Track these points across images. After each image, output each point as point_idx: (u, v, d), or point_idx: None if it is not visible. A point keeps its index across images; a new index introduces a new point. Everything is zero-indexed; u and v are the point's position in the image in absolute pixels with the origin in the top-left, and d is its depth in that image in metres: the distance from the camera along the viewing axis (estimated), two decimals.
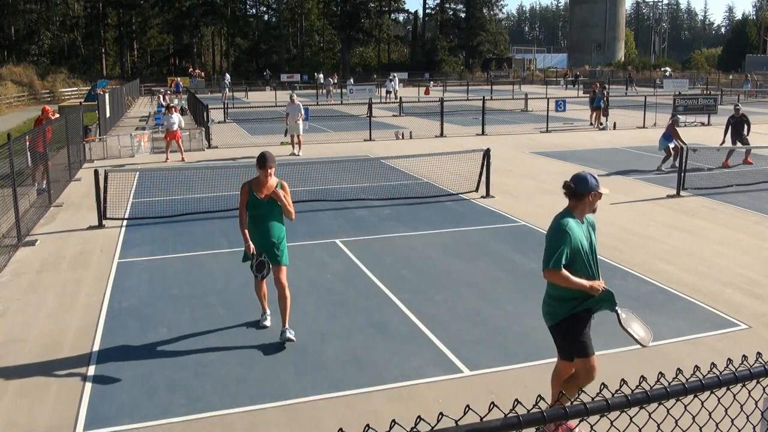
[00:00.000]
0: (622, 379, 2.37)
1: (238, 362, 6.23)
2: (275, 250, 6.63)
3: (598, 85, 29.35)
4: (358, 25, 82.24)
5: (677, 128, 16.66)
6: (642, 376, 2.25)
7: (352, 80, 50.35)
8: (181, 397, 5.59)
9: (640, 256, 9.47)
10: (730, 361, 2.33)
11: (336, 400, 5.52)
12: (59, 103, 40.85)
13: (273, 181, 6.74)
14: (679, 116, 17.92)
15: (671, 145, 16.50)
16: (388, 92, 42.80)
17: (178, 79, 55.38)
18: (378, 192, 13.98)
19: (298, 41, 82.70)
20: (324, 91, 46.82)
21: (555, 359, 6.22)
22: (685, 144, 16.08)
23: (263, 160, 6.69)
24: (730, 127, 17.80)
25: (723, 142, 17.95)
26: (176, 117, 19.09)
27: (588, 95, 26.64)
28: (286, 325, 6.60)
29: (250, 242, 6.60)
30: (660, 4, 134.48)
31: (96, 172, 11.68)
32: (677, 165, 16.22)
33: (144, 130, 23.71)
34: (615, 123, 26.25)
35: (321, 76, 54.25)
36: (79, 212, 12.67)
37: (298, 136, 20.07)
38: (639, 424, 2.59)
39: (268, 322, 7.00)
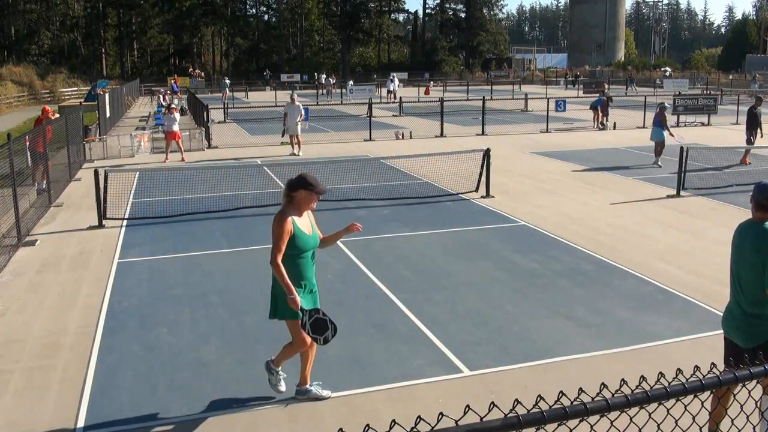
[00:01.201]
0: (622, 379, 2.37)
1: (238, 362, 6.22)
2: (317, 299, 5.37)
3: (606, 85, 29.32)
4: (358, 25, 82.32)
5: (666, 114, 17.32)
6: (642, 376, 2.25)
7: (351, 82, 50.49)
8: (181, 397, 5.59)
9: (640, 256, 9.47)
10: None
11: (336, 400, 5.52)
12: (59, 103, 40.86)
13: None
14: (666, 104, 18.38)
15: (665, 137, 17.06)
16: (389, 92, 42.98)
17: (173, 80, 55.29)
18: (378, 192, 13.98)
19: (298, 41, 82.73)
20: (324, 91, 47.00)
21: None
22: (671, 133, 17.03)
23: (313, 183, 5.27)
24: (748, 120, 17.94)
25: (750, 135, 17.85)
26: (176, 117, 19.09)
27: (600, 96, 26.69)
28: (308, 382, 5.50)
29: (297, 295, 5.05)
30: (660, 4, 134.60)
31: (96, 172, 11.68)
32: (660, 164, 17.09)
33: (144, 130, 23.72)
34: (615, 123, 26.26)
35: (323, 75, 54.43)
36: (79, 212, 12.67)
37: (297, 136, 20.06)
38: (639, 424, 2.59)
39: (283, 386, 5.46)
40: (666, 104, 17.97)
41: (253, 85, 59.86)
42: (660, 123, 17.06)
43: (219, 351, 6.48)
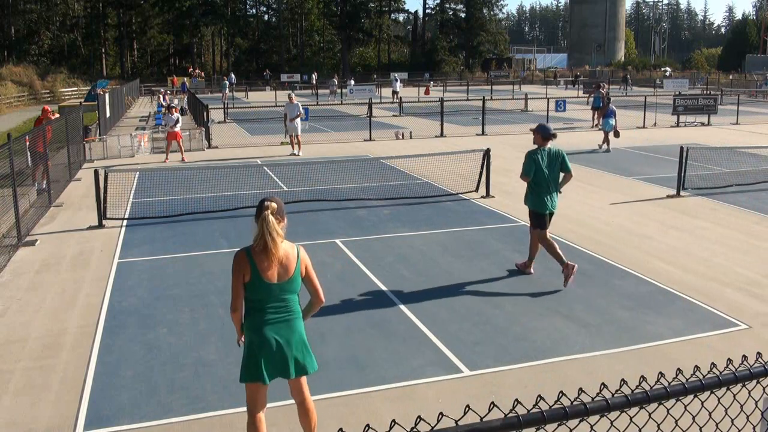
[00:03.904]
0: (622, 379, 2.37)
1: (237, 362, 6.18)
2: (297, 355, 4.34)
3: (605, 85, 29.41)
4: (358, 25, 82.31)
5: (610, 106, 20.77)
6: (642, 376, 2.25)
7: (353, 82, 50.80)
8: (181, 397, 5.59)
9: (640, 256, 9.47)
10: (730, 361, 2.33)
11: (336, 400, 5.52)
12: (59, 103, 40.86)
13: (287, 246, 4.30)
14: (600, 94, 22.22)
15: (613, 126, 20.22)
16: (394, 92, 43.37)
17: (185, 79, 55.51)
18: (378, 192, 13.98)
19: (298, 41, 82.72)
20: (328, 90, 47.34)
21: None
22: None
23: (279, 209, 4.28)
24: None
25: None
26: (176, 117, 19.09)
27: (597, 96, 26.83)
28: None
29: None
30: (660, 4, 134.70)
31: (96, 172, 11.68)
32: (609, 149, 20.08)
33: (144, 130, 23.72)
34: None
35: (315, 75, 55.38)
36: (79, 212, 12.67)
37: (296, 136, 20.07)
38: (639, 424, 2.59)
39: None
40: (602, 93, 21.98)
41: (253, 85, 59.89)
42: (612, 115, 20.34)
43: (219, 351, 6.47)
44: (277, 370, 4.31)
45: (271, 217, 4.18)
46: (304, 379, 4.52)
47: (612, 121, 20.24)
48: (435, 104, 29.49)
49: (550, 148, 8.37)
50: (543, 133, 8.34)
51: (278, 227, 4.20)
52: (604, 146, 20.34)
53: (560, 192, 8.51)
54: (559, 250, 8.23)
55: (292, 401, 5.42)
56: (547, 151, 8.30)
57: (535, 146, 8.40)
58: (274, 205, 4.22)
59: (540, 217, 8.37)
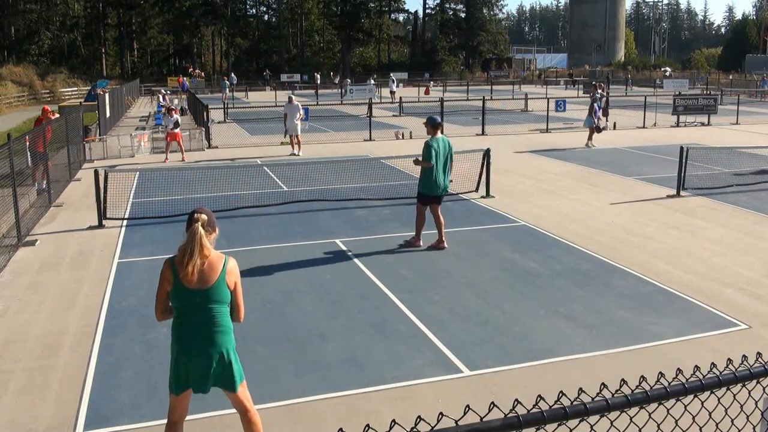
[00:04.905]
0: (622, 379, 2.37)
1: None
2: (217, 369, 4.25)
3: (603, 85, 29.55)
4: (358, 25, 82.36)
5: (594, 104, 21.25)
6: (642, 376, 2.25)
7: (373, 82, 50.85)
8: None
9: (640, 256, 9.47)
10: (730, 361, 2.33)
11: (336, 400, 5.52)
12: (59, 103, 40.86)
13: (214, 255, 4.27)
14: (598, 94, 22.40)
15: (596, 122, 21.15)
16: (392, 92, 43.57)
17: (185, 78, 55.48)
18: (378, 192, 13.98)
19: (298, 41, 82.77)
20: (342, 90, 47.48)
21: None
22: (597, 118, 21.25)
23: (207, 219, 4.27)
24: None
25: None
26: (176, 119, 19.08)
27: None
28: None
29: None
30: (660, 4, 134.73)
31: (96, 172, 11.68)
32: (595, 145, 20.92)
33: (144, 130, 23.72)
34: (615, 123, 26.24)
35: (317, 75, 55.75)
36: (79, 212, 12.66)
37: (297, 136, 20.10)
38: (639, 424, 2.59)
39: None
40: (597, 95, 22.13)
41: (253, 85, 59.91)
42: (589, 113, 21.17)
43: None
44: (190, 382, 4.26)
45: (201, 230, 4.21)
46: (242, 391, 4.42)
47: (593, 119, 21.11)
48: (435, 104, 29.49)
49: (442, 137, 9.60)
50: (432, 123, 9.58)
51: (206, 239, 4.23)
52: (590, 143, 21.22)
53: (451, 181, 10.06)
54: (422, 226, 9.80)
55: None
56: (439, 140, 9.49)
57: (429, 136, 9.55)
58: (204, 217, 4.26)
59: (429, 197, 9.60)
